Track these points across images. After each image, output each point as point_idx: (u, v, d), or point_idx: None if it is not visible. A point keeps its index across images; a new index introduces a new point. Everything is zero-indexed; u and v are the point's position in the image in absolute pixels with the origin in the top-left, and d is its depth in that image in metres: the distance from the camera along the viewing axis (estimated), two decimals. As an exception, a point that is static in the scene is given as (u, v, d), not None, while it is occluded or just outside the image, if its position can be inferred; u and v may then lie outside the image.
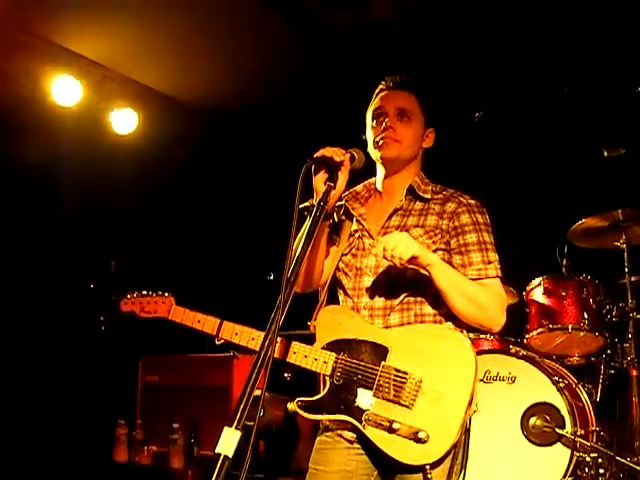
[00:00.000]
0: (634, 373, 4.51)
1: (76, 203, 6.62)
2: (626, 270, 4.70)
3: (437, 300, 2.61)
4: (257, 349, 2.49)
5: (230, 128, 6.94)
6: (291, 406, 2.54)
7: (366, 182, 2.93)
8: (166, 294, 2.85)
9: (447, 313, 2.63)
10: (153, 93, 6.51)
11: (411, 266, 2.54)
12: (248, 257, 7.41)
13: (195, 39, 5.71)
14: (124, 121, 6.40)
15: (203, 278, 7.18)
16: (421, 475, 2.40)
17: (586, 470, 4.10)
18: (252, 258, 7.38)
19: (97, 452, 6.09)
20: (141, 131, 6.50)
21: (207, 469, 5.41)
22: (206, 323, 2.71)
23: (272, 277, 7.51)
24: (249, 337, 2.64)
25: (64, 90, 5.98)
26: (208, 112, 6.75)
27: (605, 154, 4.99)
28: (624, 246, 4.71)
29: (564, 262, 4.87)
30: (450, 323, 2.64)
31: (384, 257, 2.51)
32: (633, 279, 4.70)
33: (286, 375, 5.15)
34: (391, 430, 2.39)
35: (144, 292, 2.89)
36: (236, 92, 6.40)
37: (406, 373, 2.45)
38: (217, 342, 2.71)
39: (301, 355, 2.57)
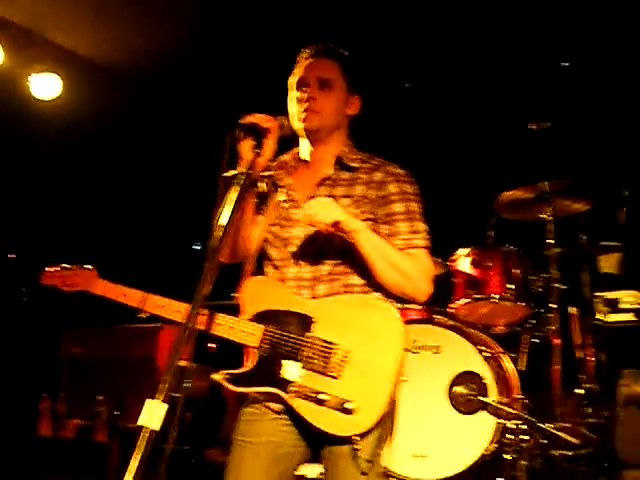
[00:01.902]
0: (557, 342, 4.62)
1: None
2: (551, 241, 4.79)
3: (365, 271, 2.59)
4: (183, 322, 2.48)
5: (153, 92, 6.78)
6: (215, 376, 2.50)
7: (292, 151, 2.88)
8: (89, 267, 2.77)
9: (375, 284, 2.61)
10: (74, 56, 6.30)
11: (336, 232, 2.51)
12: (173, 226, 7.30)
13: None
14: (46, 85, 6.18)
15: (127, 248, 7.06)
16: (349, 446, 2.39)
17: (510, 437, 4.18)
18: (177, 227, 7.27)
19: (20, 426, 5.97)
20: (63, 96, 6.29)
21: (133, 442, 5.35)
22: (130, 296, 2.65)
23: (199, 247, 7.43)
24: (174, 310, 2.59)
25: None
26: (130, 76, 6.59)
27: (532, 127, 5.05)
28: (550, 218, 4.78)
29: (490, 233, 4.93)
30: (379, 293, 2.62)
31: (308, 223, 2.49)
32: (557, 250, 4.79)
33: (210, 345, 5.11)
34: (318, 401, 2.38)
35: (65, 265, 2.80)
36: (159, 55, 6.25)
37: (333, 344, 2.43)
38: (143, 315, 2.65)
39: (227, 327, 2.53)
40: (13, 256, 6.24)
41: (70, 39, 6.18)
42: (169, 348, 5.85)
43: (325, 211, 2.46)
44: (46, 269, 2.84)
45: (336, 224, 2.47)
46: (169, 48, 6.15)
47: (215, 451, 5.22)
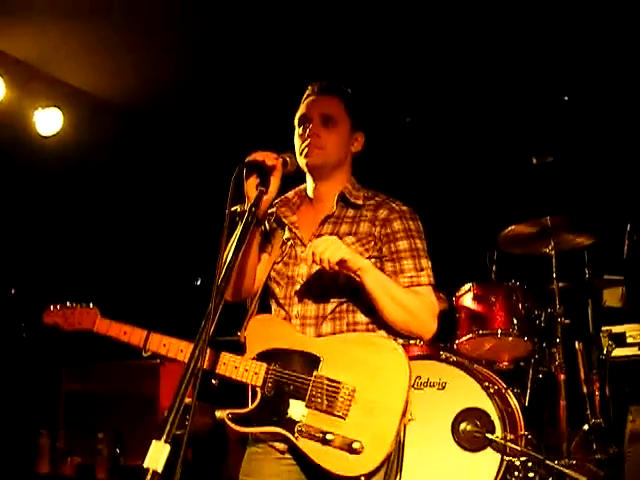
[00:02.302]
0: (562, 377, 4.59)
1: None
2: (554, 276, 4.78)
3: (370, 308, 2.57)
4: (185, 361, 2.45)
5: (155, 127, 6.80)
6: (219, 414, 2.47)
7: (297, 189, 2.88)
8: (90, 305, 2.75)
9: (379, 321, 2.59)
10: (77, 92, 6.33)
11: (342, 270, 2.49)
12: (174, 262, 7.28)
13: (117, 38, 5.59)
14: (48, 121, 6.20)
15: (128, 284, 7.03)
16: (356, 486, 2.36)
17: (515, 474, 4.15)
18: (179, 263, 7.25)
19: (19, 463, 5.90)
20: (66, 131, 6.31)
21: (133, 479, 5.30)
22: (133, 335, 2.62)
23: (199, 282, 7.41)
24: (177, 349, 2.57)
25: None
26: (132, 110, 6.61)
27: (534, 162, 5.07)
28: (552, 252, 4.78)
29: (493, 268, 4.93)
30: (383, 331, 2.60)
31: (313, 261, 2.46)
32: (561, 285, 4.78)
33: (213, 382, 5.06)
34: (325, 441, 2.35)
35: (67, 304, 2.78)
36: (161, 89, 6.28)
37: (339, 383, 2.40)
38: (144, 354, 2.62)
39: (231, 366, 2.50)
40: (14, 291, 6.21)
41: (72, 74, 6.21)
42: (170, 385, 5.86)
43: (331, 250, 2.44)
44: (49, 308, 2.82)
45: (342, 263, 2.45)
46: (171, 83, 6.18)
47: (216, 490, 5.17)
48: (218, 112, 6.37)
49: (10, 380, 6.42)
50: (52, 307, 2.81)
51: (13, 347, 6.36)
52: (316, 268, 2.58)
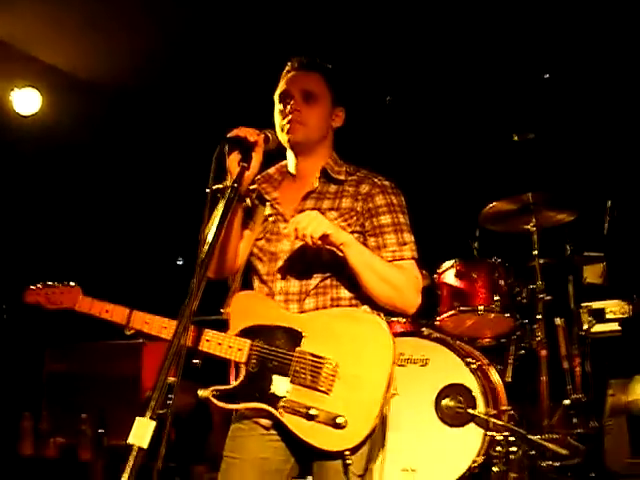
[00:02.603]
0: (543, 353, 4.63)
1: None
2: (535, 252, 4.80)
3: (353, 283, 2.57)
4: (169, 338, 2.44)
5: (134, 106, 6.74)
6: (202, 393, 2.47)
7: (278, 165, 2.87)
8: (72, 284, 2.73)
9: (363, 296, 2.59)
10: (55, 72, 6.26)
11: (325, 245, 2.49)
12: (156, 242, 7.25)
13: (95, 17, 5.53)
14: (26, 101, 6.13)
15: (110, 264, 6.99)
16: (340, 461, 2.37)
17: (498, 449, 4.19)
18: (160, 243, 7.22)
19: (2, 445, 5.87)
20: (44, 111, 6.25)
21: (117, 460, 5.29)
22: (115, 313, 2.61)
23: (181, 262, 7.38)
24: (160, 326, 2.56)
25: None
26: (111, 90, 6.55)
27: (515, 138, 5.08)
28: (534, 229, 4.80)
29: (475, 245, 4.95)
30: (366, 306, 2.60)
31: (296, 237, 2.46)
32: (542, 261, 4.80)
33: (195, 361, 5.06)
34: (309, 417, 2.35)
35: (49, 283, 2.76)
36: (140, 69, 6.22)
37: (322, 358, 2.40)
38: (127, 332, 2.61)
39: (215, 343, 2.50)
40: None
41: (50, 53, 6.14)
42: (153, 365, 5.85)
43: (313, 225, 2.43)
44: (29, 287, 2.80)
45: (325, 237, 2.45)
46: (150, 61, 6.13)
47: (201, 468, 5.17)
48: (198, 90, 6.33)
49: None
50: (33, 286, 2.78)
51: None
52: (299, 244, 2.58)
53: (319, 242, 2.45)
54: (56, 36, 5.86)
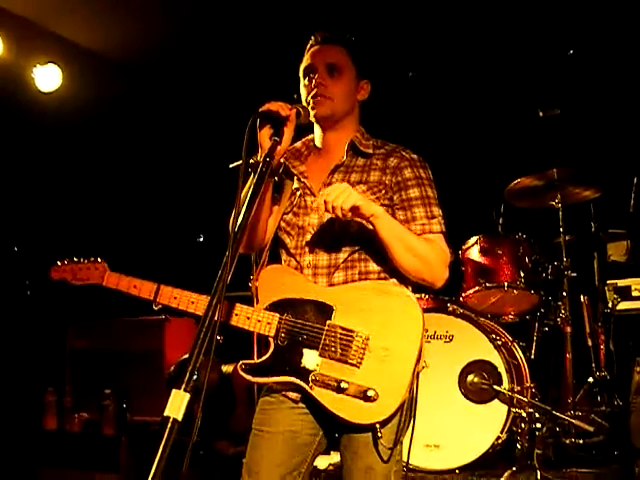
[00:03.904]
0: (568, 330, 4.61)
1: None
2: (561, 229, 4.77)
3: (381, 257, 2.56)
4: (197, 313, 2.48)
5: (155, 82, 6.72)
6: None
7: (305, 139, 2.86)
8: (98, 259, 2.73)
9: (391, 270, 2.58)
10: (76, 48, 6.25)
11: (355, 218, 2.48)
12: (177, 219, 7.26)
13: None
14: (47, 77, 6.13)
15: (130, 242, 7.01)
16: (370, 434, 2.38)
17: (522, 425, 4.18)
18: (181, 220, 7.23)
19: (26, 420, 5.94)
20: (65, 87, 6.25)
21: (140, 435, 5.33)
22: (143, 288, 2.61)
23: (202, 239, 7.38)
24: (188, 301, 2.55)
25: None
26: (130, 67, 6.54)
27: (540, 114, 5.03)
28: (559, 205, 4.77)
29: (500, 221, 4.92)
30: (394, 279, 2.59)
31: (326, 210, 2.44)
32: (567, 238, 4.78)
33: (218, 337, 5.07)
34: (339, 390, 2.36)
35: (75, 259, 2.76)
36: (161, 44, 6.19)
37: (352, 331, 2.40)
38: (155, 307, 2.61)
39: (244, 317, 2.50)
40: (17, 249, 6.20)
41: (71, 30, 6.13)
42: (175, 341, 5.87)
43: (343, 196, 2.41)
44: (56, 263, 2.80)
45: (354, 209, 2.43)
46: (171, 37, 6.10)
47: (224, 443, 5.19)
48: (221, 65, 6.29)
49: (16, 338, 6.43)
50: (59, 262, 2.79)
51: (18, 305, 6.36)
52: (327, 217, 2.58)
53: (349, 214, 2.43)
54: (77, 13, 5.84)
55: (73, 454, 5.58)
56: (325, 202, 2.43)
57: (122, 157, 6.95)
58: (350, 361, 2.37)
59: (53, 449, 5.70)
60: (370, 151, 2.71)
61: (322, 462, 4.26)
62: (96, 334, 6.35)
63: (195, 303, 2.54)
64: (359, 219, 2.50)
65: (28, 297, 6.49)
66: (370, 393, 2.33)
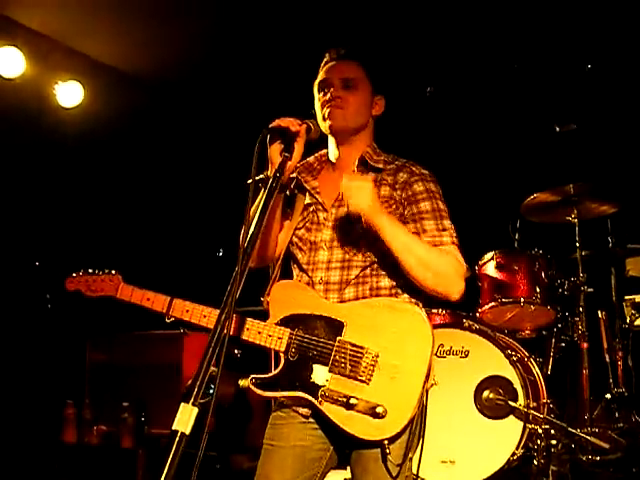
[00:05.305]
0: (584, 346, 4.58)
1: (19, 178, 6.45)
2: (577, 244, 4.75)
3: (394, 272, 2.57)
4: (209, 326, 2.48)
5: (176, 99, 6.78)
6: (242, 382, 2.49)
7: (318, 154, 2.88)
8: (113, 272, 2.76)
9: (403, 285, 2.58)
10: (97, 65, 6.33)
11: (366, 221, 2.49)
12: (197, 233, 7.30)
13: (137, 10, 5.57)
14: (69, 94, 6.21)
15: (150, 256, 7.06)
16: (379, 450, 2.38)
17: (538, 442, 4.15)
18: (201, 234, 7.27)
19: (45, 433, 5.97)
20: (86, 104, 6.32)
21: (158, 448, 5.35)
22: (156, 301, 2.63)
23: (221, 253, 7.41)
24: (200, 314, 2.58)
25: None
26: (151, 83, 6.60)
27: (557, 129, 5.03)
28: (575, 220, 4.76)
29: (516, 236, 4.90)
30: (406, 295, 2.60)
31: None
32: (584, 253, 4.75)
33: (235, 351, 5.09)
34: (348, 406, 2.36)
35: (90, 270, 2.79)
36: (182, 61, 6.25)
37: (363, 348, 2.41)
38: (167, 320, 2.64)
39: (255, 331, 2.51)
40: (38, 263, 6.26)
41: (93, 47, 6.21)
42: (194, 354, 5.89)
43: (356, 198, 2.45)
44: (71, 274, 2.84)
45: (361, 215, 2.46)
46: (191, 54, 6.16)
47: (241, 457, 5.20)
48: (239, 83, 6.34)
49: (36, 351, 6.49)
50: (75, 274, 2.82)
51: (39, 319, 6.41)
52: (339, 233, 2.60)
53: (367, 210, 2.46)
54: (99, 30, 5.91)
55: (91, 466, 5.61)
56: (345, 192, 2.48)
57: (143, 172, 7.01)
58: (360, 377, 2.38)
59: (72, 461, 5.73)
60: (381, 166, 2.73)
61: (337, 477, 4.25)
62: (115, 348, 6.38)
63: (207, 317, 2.56)
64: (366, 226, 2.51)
65: (48, 311, 6.55)
66: (379, 410, 2.33)
